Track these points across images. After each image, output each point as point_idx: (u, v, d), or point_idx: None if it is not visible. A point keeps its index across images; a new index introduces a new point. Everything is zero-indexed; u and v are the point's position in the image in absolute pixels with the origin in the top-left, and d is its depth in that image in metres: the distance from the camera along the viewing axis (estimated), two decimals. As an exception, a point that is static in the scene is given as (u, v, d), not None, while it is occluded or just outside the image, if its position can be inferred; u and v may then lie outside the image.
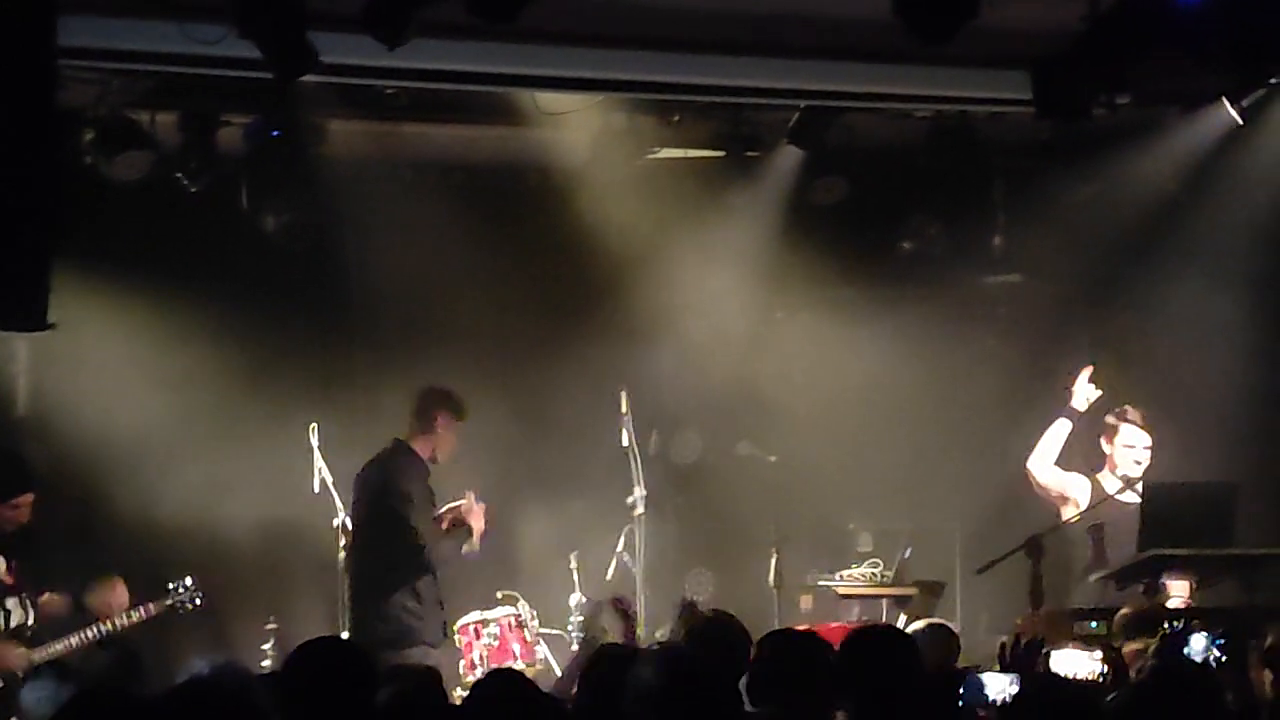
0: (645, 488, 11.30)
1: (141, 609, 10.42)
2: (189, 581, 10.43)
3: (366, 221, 11.88)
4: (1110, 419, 11.08)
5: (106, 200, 11.20)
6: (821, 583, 12.00)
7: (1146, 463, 11.01)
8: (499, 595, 11.26)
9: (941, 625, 9.06)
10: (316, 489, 10.90)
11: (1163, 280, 12.20)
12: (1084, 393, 11.09)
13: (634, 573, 11.29)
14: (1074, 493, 11.00)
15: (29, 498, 10.40)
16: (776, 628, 8.93)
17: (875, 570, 11.79)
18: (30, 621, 10.34)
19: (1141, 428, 11.00)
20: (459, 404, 10.91)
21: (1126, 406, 11.08)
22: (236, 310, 11.87)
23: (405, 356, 12.37)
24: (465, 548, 10.74)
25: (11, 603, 10.30)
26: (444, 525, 10.78)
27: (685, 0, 10.22)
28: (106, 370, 11.60)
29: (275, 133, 11.37)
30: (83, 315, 10.41)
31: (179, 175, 11.36)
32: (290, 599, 11.82)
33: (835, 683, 6.62)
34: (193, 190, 11.40)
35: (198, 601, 10.45)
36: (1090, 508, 10.91)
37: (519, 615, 11.15)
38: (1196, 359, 12.16)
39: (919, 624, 8.92)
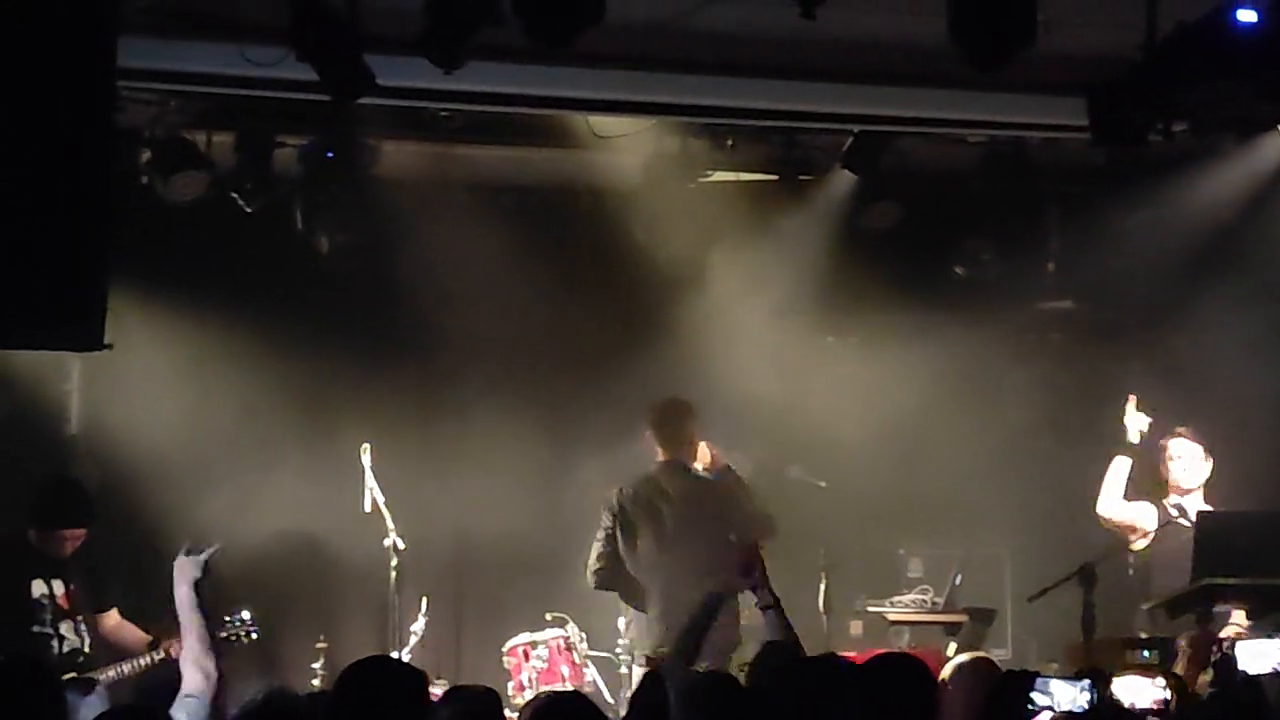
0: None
1: None
2: (246, 615, 10.35)
3: (420, 243, 11.90)
4: (1162, 442, 11.01)
5: (162, 220, 11.26)
6: (871, 609, 11.96)
7: (1206, 474, 10.89)
8: (548, 617, 11.25)
9: (984, 658, 8.98)
10: (368, 509, 10.92)
11: (1217, 307, 12.14)
12: (1135, 424, 11.00)
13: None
14: (1143, 523, 10.89)
15: (81, 533, 10.33)
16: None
17: (925, 596, 11.76)
18: (86, 648, 10.31)
19: (1192, 440, 10.91)
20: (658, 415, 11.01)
21: (1178, 428, 11.01)
22: (290, 330, 11.90)
23: (457, 377, 12.40)
24: None
25: (66, 627, 10.27)
26: None
27: (739, 24, 10.21)
28: (159, 390, 11.64)
29: (330, 154, 11.42)
30: (136, 334, 10.47)
31: (234, 196, 11.41)
32: (340, 618, 11.85)
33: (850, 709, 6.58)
34: (248, 211, 11.46)
35: (254, 635, 10.40)
36: (1145, 535, 10.80)
37: (568, 637, 11.15)
38: (1251, 387, 12.08)
39: (963, 657, 8.86)
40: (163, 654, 10.22)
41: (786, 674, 6.74)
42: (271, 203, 11.52)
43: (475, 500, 12.15)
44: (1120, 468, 10.98)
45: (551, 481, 11.98)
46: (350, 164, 11.44)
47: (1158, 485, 11.05)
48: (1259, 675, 8.67)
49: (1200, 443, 10.94)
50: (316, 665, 10.95)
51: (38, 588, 10.24)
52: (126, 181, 10.68)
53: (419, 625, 11.11)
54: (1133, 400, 11.09)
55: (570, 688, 10.75)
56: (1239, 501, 10.95)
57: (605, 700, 10.94)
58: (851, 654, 9.40)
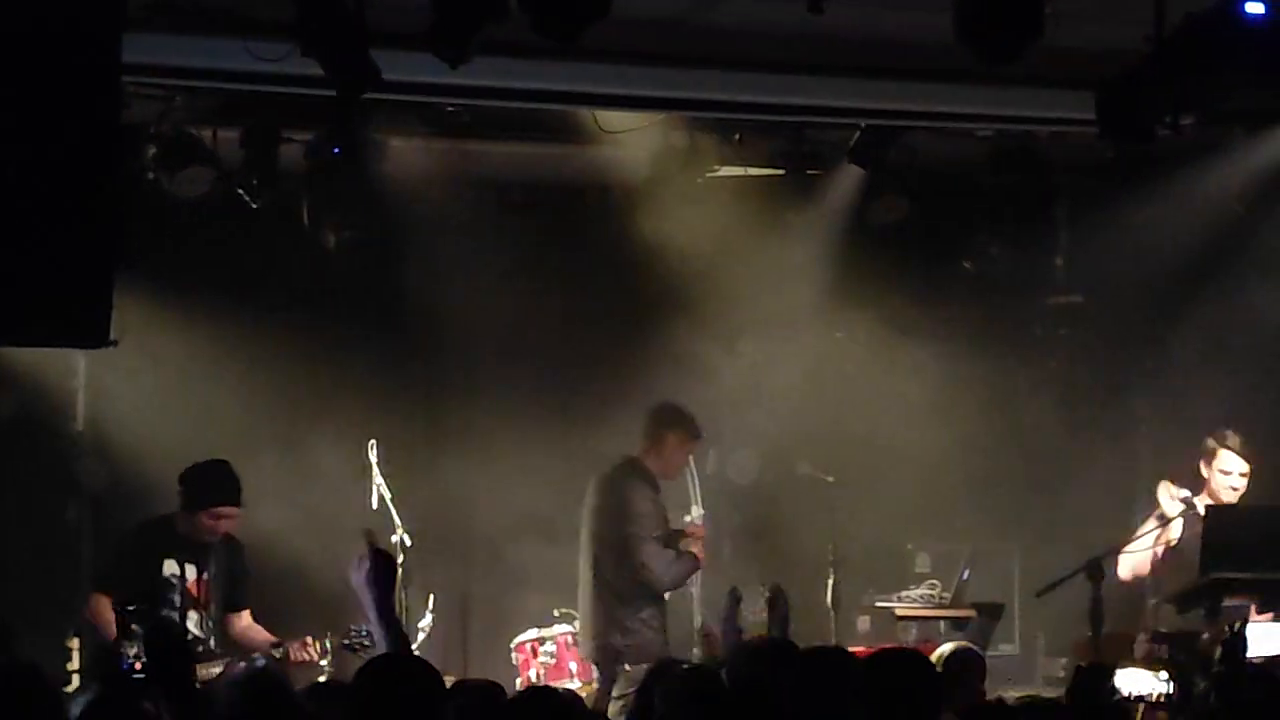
0: (703, 507, 11.27)
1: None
2: (366, 630, 10.34)
3: (426, 239, 11.89)
4: (1210, 442, 10.90)
5: (168, 216, 11.25)
6: (879, 604, 11.95)
7: (1243, 489, 10.82)
8: (556, 613, 11.24)
9: (968, 648, 8.95)
10: (374, 505, 10.91)
11: (1227, 301, 12.11)
12: (1169, 501, 10.81)
13: (691, 592, 11.25)
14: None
15: (234, 510, 10.34)
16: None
17: (933, 591, 11.74)
18: (212, 643, 10.30)
19: (1239, 454, 10.83)
20: (691, 423, 10.93)
21: (1227, 431, 10.90)
22: (296, 326, 11.89)
23: (463, 373, 12.40)
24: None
25: (191, 618, 10.23)
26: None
27: (747, 19, 10.20)
28: (165, 386, 11.64)
29: (336, 150, 11.40)
30: (142, 330, 10.44)
31: (240, 192, 11.39)
32: (346, 614, 11.77)
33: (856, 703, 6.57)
34: (254, 206, 11.44)
35: (367, 644, 10.43)
36: (1149, 533, 10.76)
37: (576, 633, 11.14)
38: (1261, 380, 12.06)
39: (946, 647, 8.84)
40: (280, 654, 10.26)
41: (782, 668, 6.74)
42: (278, 199, 11.50)
43: (482, 496, 12.15)
44: (1149, 531, 10.78)
45: (558, 476, 11.95)
46: (356, 160, 11.42)
47: (1196, 480, 10.89)
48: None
49: (1250, 460, 10.84)
50: (324, 662, 10.93)
51: (169, 567, 10.24)
52: (132, 178, 10.66)
53: (426, 622, 11.09)
54: (1164, 483, 10.87)
55: (578, 684, 10.76)
56: (1248, 496, 10.91)
57: (612, 696, 10.91)
58: (859, 648, 9.43)
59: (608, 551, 10.73)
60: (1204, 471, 10.92)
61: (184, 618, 10.23)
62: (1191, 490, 10.87)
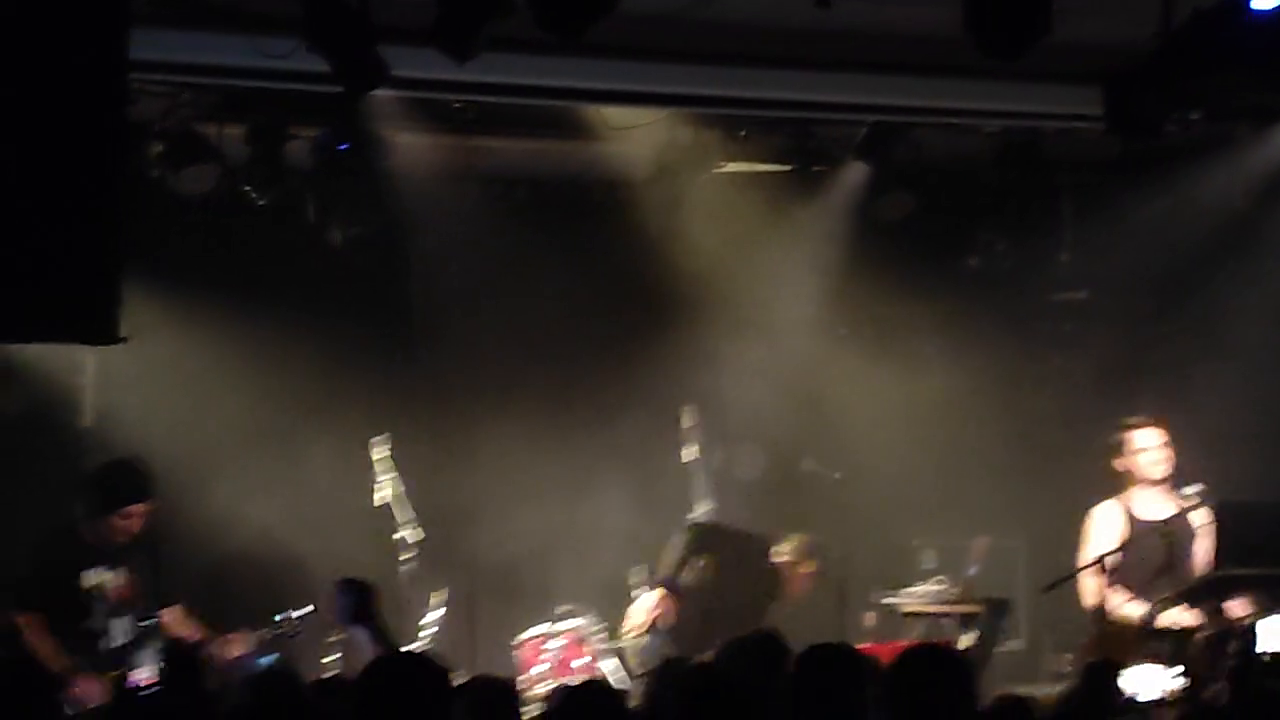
0: (710, 503, 11.28)
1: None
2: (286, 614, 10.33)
3: (433, 235, 11.90)
4: (1114, 436, 10.64)
5: (173, 213, 11.25)
6: (885, 600, 11.93)
7: (1170, 457, 10.51)
8: (562, 610, 11.23)
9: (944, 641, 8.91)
10: (379, 502, 10.91)
11: (1233, 298, 12.11)
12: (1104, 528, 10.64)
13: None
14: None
15: (141, 507, 10.16)
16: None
17: (940, 588, 11.73)
18: (143, 644, 10.17)
19: (1148, 427, 10.54)
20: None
21: (1129, 418, 10.64)
22: (302, 323, 11.89)
23: (469, 369, 12.39)
24: None
25: (120, 626, 10.12)
26: None
27: (752, 14, 10.20)
28: (172, 383, 11.65)
29: (343, 146, 11.39)
30: (148, 328, 10.43)
31: (246, 188, 11.40)
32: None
33: (882, 701, 6.56)
34: (260, 203, 11.45)
35: (296, 625, 10.39)
36: (1149, 525, 10.69)
37: (582, 630, 11.13)
38: (1265, 378, 12.05)
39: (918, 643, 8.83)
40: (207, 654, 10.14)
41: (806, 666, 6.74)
42: (283, 195, 11.51)
43: (488, 493, 12.15)
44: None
45: (565, 473, 11.97)
46: (363, 156, 11.41)
47: (1120, 481, 10.74)
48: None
49: (1160, 425, 10.54)
50: (328, 660, 10.93)
51: (89, 578, 10.11)
52: (138, 175, 10.66)
53: (431, 618, 11.09)
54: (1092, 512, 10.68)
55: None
56: (1253, 494, 10.90)
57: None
58: (866, 645, 9.42)
59: None
60: (1123, 466, 10.65)
61: (109, 626, 10.09)
62: (1114, 493, 10.67)
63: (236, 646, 10.22)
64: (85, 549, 10.15)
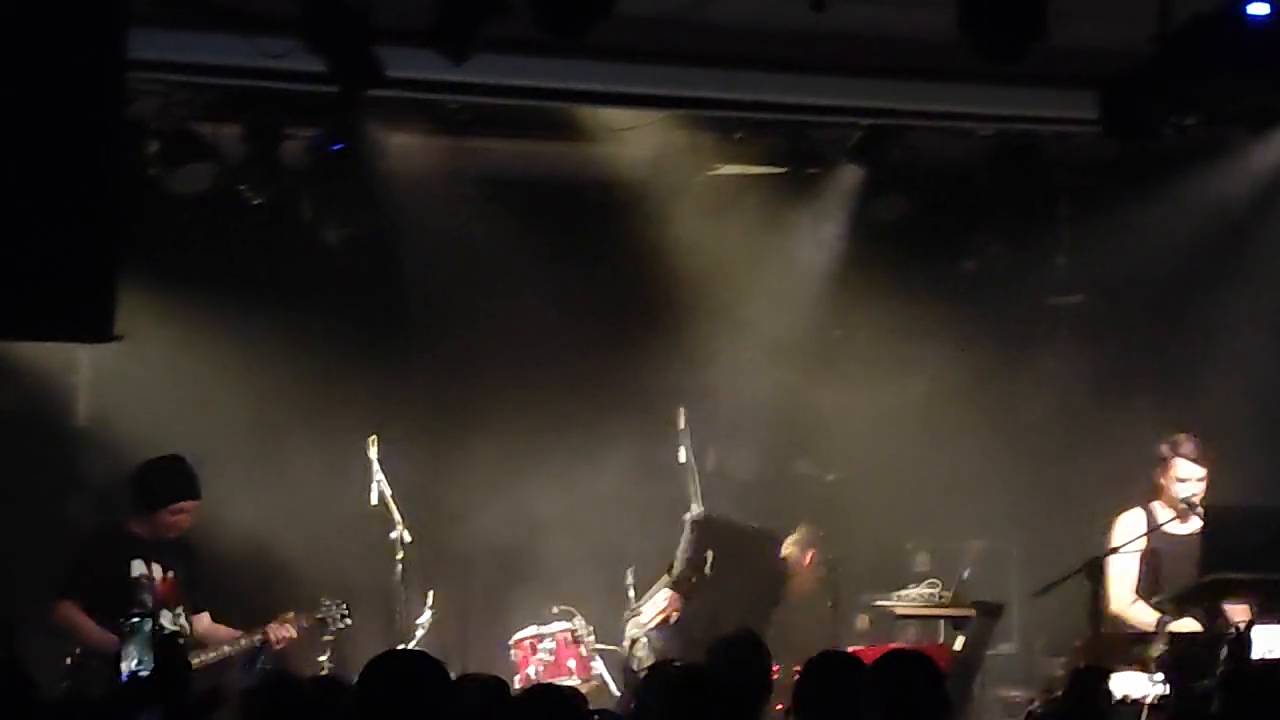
0: (702, 504, 11.28)
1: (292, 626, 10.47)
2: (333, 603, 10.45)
3: (428, 235, 11.89)
4: (1164, 449, 10.75)
5: (169, 212, 11.24)
6: (878, 603, 11.94)
7: (1201, 493, 10.66)
8: (555, 610, 11.23)
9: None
10: (374, 501, 10.91)
11: (1229, 301, 12.11)
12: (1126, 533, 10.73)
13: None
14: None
15: (191, 504, 10.31)
16: (830, 648, 8.86)
17: (933, 590, 11.73)
18: (189, 633, 10.26)
19: (1195, 461, 10.67)
20: None
21: (1179, 436, 10.75)
22: (296, 322, 11.88)
23: (464, 370, 12.39)
24: None
25: (165, 617, 10.13)
26: None
27: (748, 17, 10.21)
28: (166, 382, 11.63)
29: (338, 146, 11.39)
30: (143, 326, 10.43)
31: (242, 187, 11.40)
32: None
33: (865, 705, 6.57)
34: (255, 202, 11.45)
35: (348, 621, 10.47)
36: (1142, 535, 10.70)
37: (575, 630, 11.13)
38: (1263, 382, 12.05)
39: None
40: (261, 638, 10.30)
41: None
42: (279, 195, 11.51)
43: (482, 492, 12.14)
44: (1128, 567, 10.65)
45: (558, 473, 11.96)
46: (359, 156, 11.42)
47: (1150, 488, 10.82)
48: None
49: (1205, 465, 10.67)
50: (323, 658, 10.93)
51: (138, 567, 10.21)
52: (134, 173, 10.65)
53: (425, 618, 11.09)
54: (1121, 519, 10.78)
55: (576, 681, 10.75)
56: (1249, 497, 10.90)
57: (613, 693, 10.93)
58: (858, 648, 9.43)
59: None
60: (1160, 480, 10.74)
61: (157, 618, 10.13)
62: (1147, 499, 10.76)
63: (289, 629, 10.37)
64: (135, 541, 10.27)
